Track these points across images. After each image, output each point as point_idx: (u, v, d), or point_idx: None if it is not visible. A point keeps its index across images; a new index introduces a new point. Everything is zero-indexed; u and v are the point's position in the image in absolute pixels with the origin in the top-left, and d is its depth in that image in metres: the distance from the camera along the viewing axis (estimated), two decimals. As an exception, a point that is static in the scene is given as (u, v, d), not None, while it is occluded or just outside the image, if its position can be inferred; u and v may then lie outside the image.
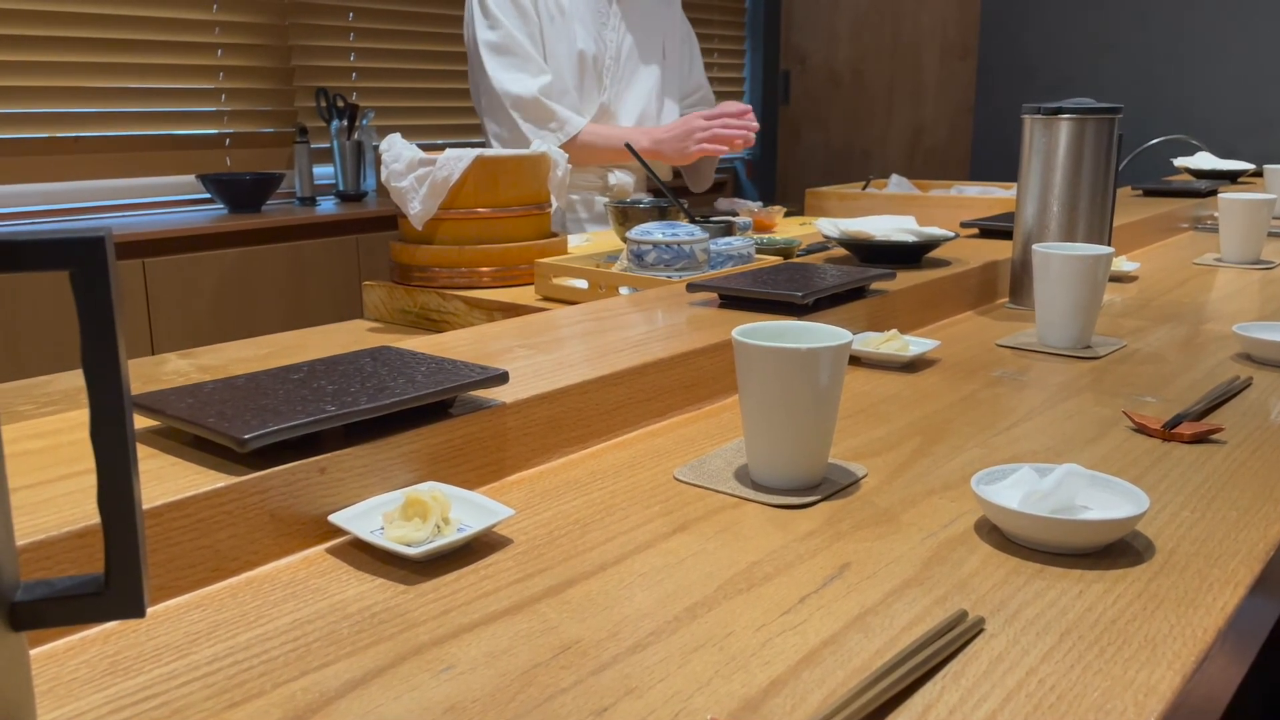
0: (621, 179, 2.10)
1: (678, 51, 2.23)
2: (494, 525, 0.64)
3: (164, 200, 2.74)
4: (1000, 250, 1.47)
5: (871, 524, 0.68)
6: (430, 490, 0.64)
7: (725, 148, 1.93)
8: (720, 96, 2.39)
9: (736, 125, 1.91)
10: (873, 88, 4.49)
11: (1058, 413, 0.92)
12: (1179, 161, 2.78)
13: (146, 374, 1.16)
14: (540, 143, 1.53)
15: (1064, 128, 1.26)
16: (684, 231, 1.32)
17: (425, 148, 1.44)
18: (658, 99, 2.14)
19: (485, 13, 1.93)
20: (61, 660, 0.51)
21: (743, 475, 0.75)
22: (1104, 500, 0.67)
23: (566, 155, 1.53)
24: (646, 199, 1.83)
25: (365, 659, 0.51)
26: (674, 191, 1.68)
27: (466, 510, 0.65)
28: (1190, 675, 0.50)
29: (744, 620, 0.55)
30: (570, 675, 0.50)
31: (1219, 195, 1.74)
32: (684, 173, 2.23)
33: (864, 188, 2.33)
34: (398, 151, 1.41)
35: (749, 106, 1.97)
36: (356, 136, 3.00)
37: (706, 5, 4.45)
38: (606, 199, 2.04)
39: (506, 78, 1.93)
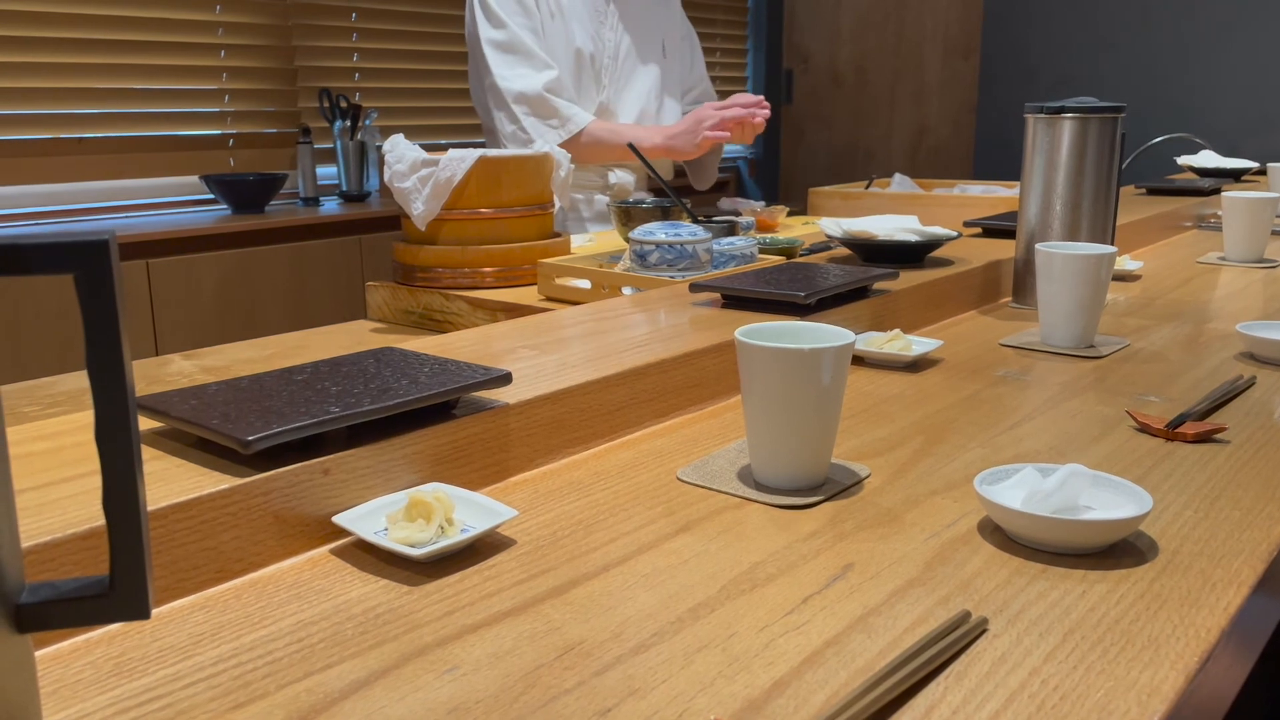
0: (622, 178, 2.10)
1: (678, 49, 2.22)
2: (497, 526, 0.64)
3: (168, 201, 2.75)
4: (1003, 250, 1.47)
5: (874, 524, 0.68)
6: (434, 491, 0.65)
7: (728, 134, 1.92)
8: (723, 96, 2.38)
9: (744, 108, 1.90)
10: (875, 87, 4.49)
11: (1061, 412, 0.92)
12: (1182, 160, 2.78)
13: (150, 375, 1.16)
14: (543, 142, 1.53)
15: (1067, 127, 1.26)
16: (687, 231, 1.32)
17: (428, 148, 1.44)
18: (657, 98, 2.14)
19: (488, 12, 1.93)
20: (66, 662, 0.51)
21: (745, 476, 0.75)
22: (1107, 500, 0.67)
23: (569, 155, 1.53)
24: (649, 199, 1.83)
25: (369, 660, 0.51)
26: (676, 191, 1.68)
27: (470, 511, 0.65)
28: (1194, 675, 0.50)
29: (747, 621, 0.55)
30: (574, 676, 0.50)
31: (1222, 194, 1.74)
32: (688, 169, 2.23)
33: (867, 187, 2.33)
34: (400, 152, 1.41)
35: (761, 97, 1.95)
36: (360, 137, 3.01)
37: (709, 5, 4.45)
38: (608, 198, 2.04)
39: (511, 74, 1.92)
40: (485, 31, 1.93)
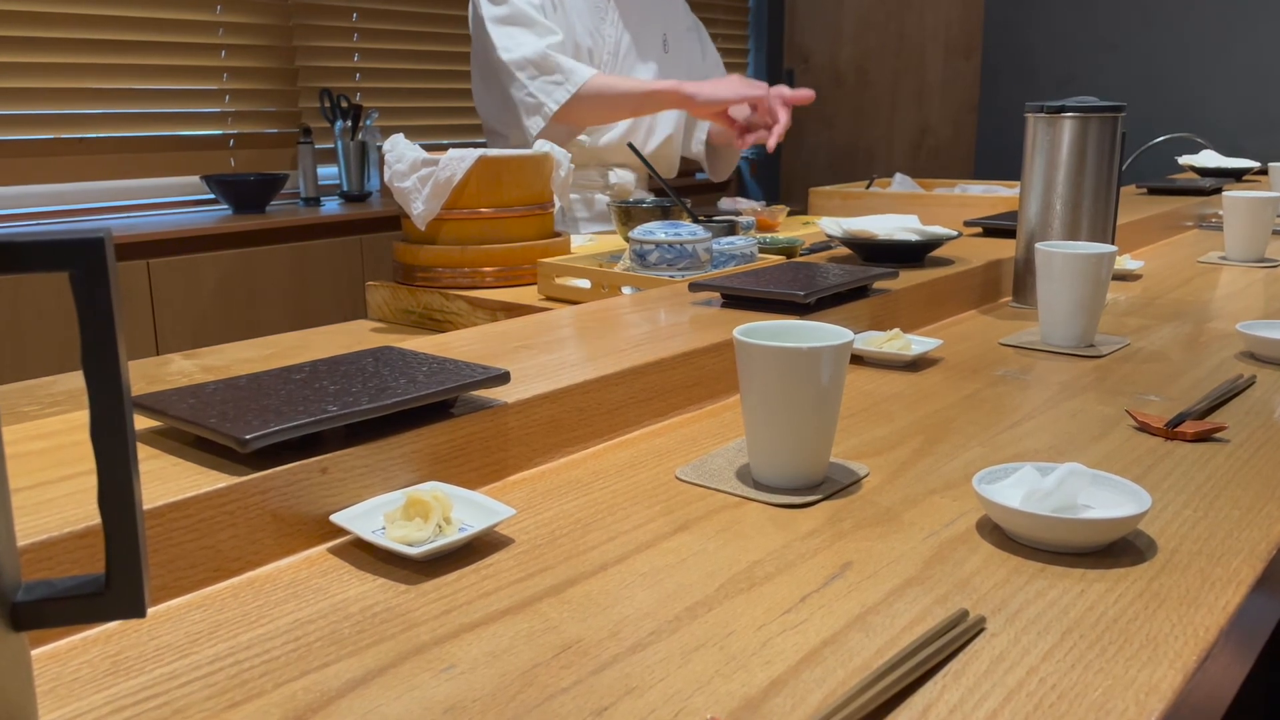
0: (623, 177, 2.09)
1: (682, 43, 2.21)
2: (495, 525, 0.64)
3: (169, 201, 2.75)
4: (1004, 249, 1.46)
5: (873, 523, 0.67)
6: (431, 490, 0.64)
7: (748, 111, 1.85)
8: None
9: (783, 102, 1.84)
10: (877, 87, 4.49)
11: (1060, 411, 0.92)
12: (1184, 159, 2.78)
13: (150, 374, 1.16)
14: (543, 143, 1.53)
15: (1067, 126, 1.26)
16: (687, 231, 1.32)
17: (428, 148, 1.44)
18: None
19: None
20: (63, 660, 0.51)
21: (744, 475, 0.75)
22: (1106, 499, 0.66)
23: (569, 155, 1.53)
24: (649, 198, 1.83)
25: (366, 659, 0.51)
26: (677, 191, 1.67)
27: (468, 510, 0.65)
28: (1192, 674, 0.50)
29: (745, 620, 0.55)
30: (571, 675, 0.50)
31: (1223, 193, 1.74)
32: (706, 162, 2.21)
33: (868, 187, 2.32)
34: (400, 152, 1.41)
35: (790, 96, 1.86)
36: (360, 137, 3.01)
37: (710, 4, 4.44)
38: (608, 198, 2.03)
39: (513, 44, 1.87)
40: (488, 10, 1.90)
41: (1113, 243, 1.29)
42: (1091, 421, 0.89)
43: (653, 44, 2.12)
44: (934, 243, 1.36)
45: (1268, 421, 0.88)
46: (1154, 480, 0.75)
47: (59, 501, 0.57)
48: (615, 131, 2.06)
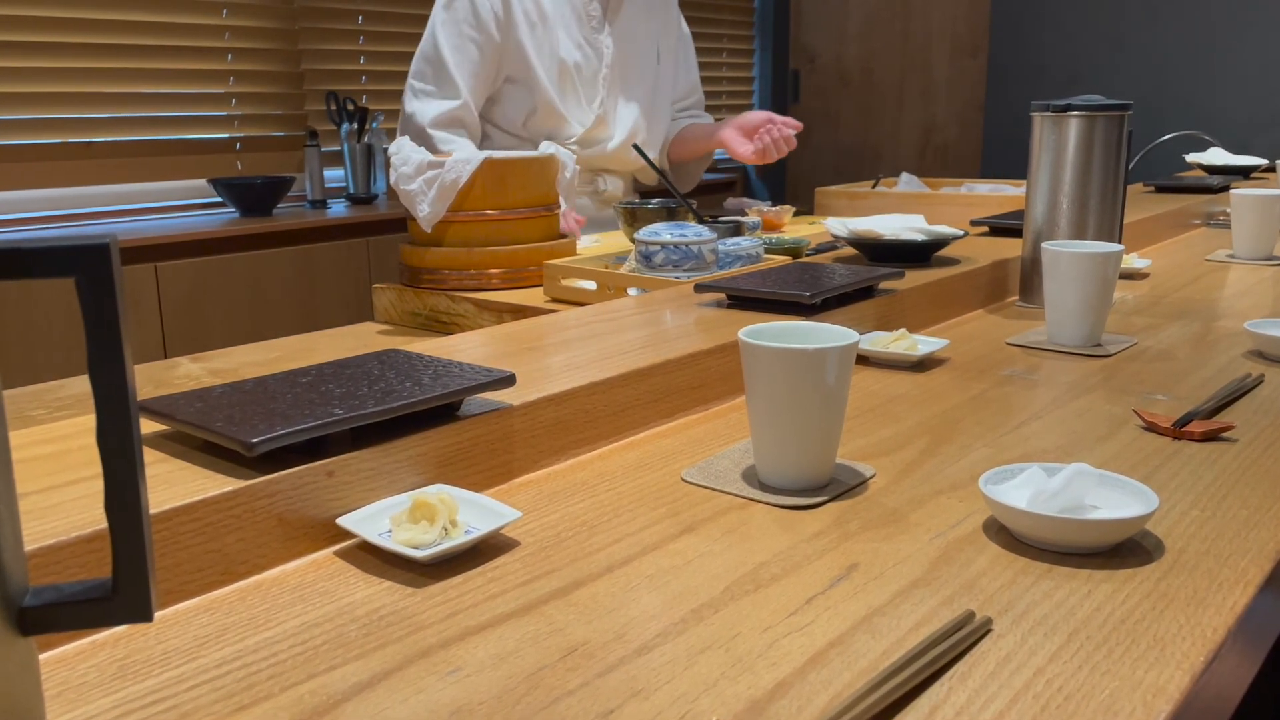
0: (612, 184, 2.06)
1: (673, 53, 2.18)
2: (501, 528, 0.64)
3: (175, 205, 2.76)
4: (1010, 248, 1.46)
5: (879, 524, 0.67)
6: (438, 493, 0.65)
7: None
8: (729, 96, 2.37)
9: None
10: (883, 86, 4.48)
11: (1067, 411, 0.92)
12: (1191, 157, 2.77)
13: (157, 378, 1.16)
14: (547, 145, 1.53)
15: (1073, 125, 1.25)
16: (692, 232, 1.32)
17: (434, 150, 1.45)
18: (651, 107, 2.08)
19: (434, 24, 1.92)
20: (71, 664, 0.52)
21: (750, 476, 0.75)
22: (1113, 499, 0.66)
23: (575, 157, 1.53)
24: (654, 200, 1.82)
25: (372, 661, 0.52)
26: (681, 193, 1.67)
27: (474, 513, 0.65)
28: (1199, 675, 0.50)
29: (751, 622, 0.55)
30: (577, 677, 0.50)
31: (1231, 191, 1.73)
32: (671, 170, 2.19)
33: (874, 186, 2.32)
34: (406, 155, 1.41)
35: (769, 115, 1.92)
36: (366, 139, 3.01)
37: (715, 5, 4.44)
38: (593, 203, 2.02)
39: (412, 98, 1.87)
40: (422, 44, 1.92)
41: (1119, 241, 1.29)
42: (1098, 421, 0.89)
43: (647, 56, 2.07)
44: (940, 242, 1.36)
45: (1276, 420, 0.88)
46: (1161, 480, 0.74)
47: (66, 506, 0.57)
48: (619, 137, 2.03)
